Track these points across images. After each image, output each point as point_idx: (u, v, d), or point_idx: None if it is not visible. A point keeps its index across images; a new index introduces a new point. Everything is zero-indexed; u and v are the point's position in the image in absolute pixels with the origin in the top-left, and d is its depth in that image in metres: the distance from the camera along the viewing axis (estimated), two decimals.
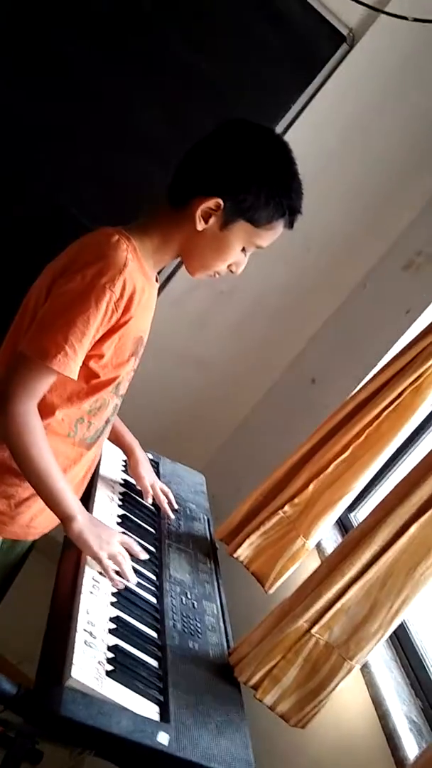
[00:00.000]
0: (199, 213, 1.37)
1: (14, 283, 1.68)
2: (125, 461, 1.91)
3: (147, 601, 1.48)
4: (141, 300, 1.40)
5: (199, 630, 1.50)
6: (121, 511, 1.71)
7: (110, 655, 1.25)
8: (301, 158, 1.43)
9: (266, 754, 1.49)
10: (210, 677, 1.40)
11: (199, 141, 1.42)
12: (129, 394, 1.58)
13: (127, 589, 1.44)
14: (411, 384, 1.68)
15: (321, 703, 1.43)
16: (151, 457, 1.98)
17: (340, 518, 1.94)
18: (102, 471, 1.79)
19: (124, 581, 1.44)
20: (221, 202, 1.36)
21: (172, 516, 1.85)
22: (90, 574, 1.40)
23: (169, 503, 1.87)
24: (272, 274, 2.71)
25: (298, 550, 1.78)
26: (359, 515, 2.26)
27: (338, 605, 1.41)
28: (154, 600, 1.50)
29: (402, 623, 1.71)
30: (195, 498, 2.05)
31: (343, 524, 2.22)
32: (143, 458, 1.86)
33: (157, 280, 1.50)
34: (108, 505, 1.70)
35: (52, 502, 1.39)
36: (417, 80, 2.52)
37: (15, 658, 2.33)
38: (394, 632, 1.57)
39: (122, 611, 1.38)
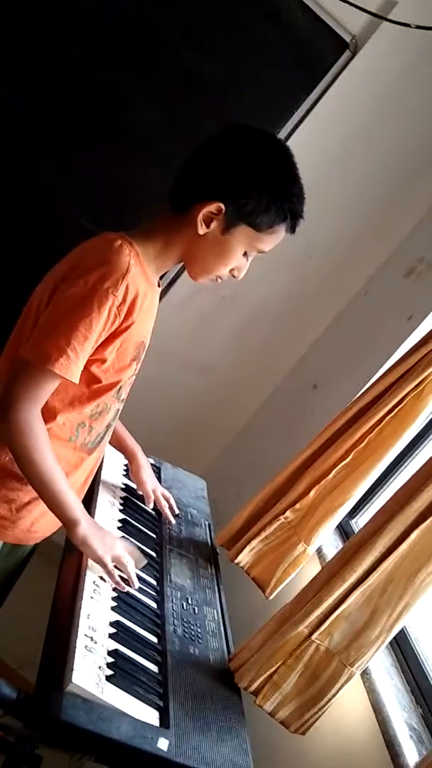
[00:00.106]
0: (200, 217, 1.38)
1: (15, 287, 1.68)
2: (126, 466, 1.91)
3: (148, 606, 1.48)
4: (143, 305, 1.40)
5: (200, 635, 1.50)
6: (122, 516, 1.71)
7: (111, 659, 1.25)
8: (304, 164, 1.43)
9: (266, 761, 1.49)
10: (210, 683, 1.40)
11: (201, 146, 1.42)
12: (130, 398, 1.58)
13: (128, 593, 1.44)
14: (412, 390, 1.68)
15: (321, 710, 1.43)
16: (152, 462, 1.98)
17: (340, 524, 1.94)
18: (103, 475, 1.79)
19: (127, 586, 1.44)
20: (222, 206, 1.37)
21: (174, 521, 1.85)
22: (91, 578, 1.40)
23: (171, 508, 1.87)
24: (274, 279, 2.71)
25: (298, 555, 1.78)
26: (360, 521, 2.26)
27: (339, 611, 1.40)
28: (154, 605, 1.50)
29: (402, 630, 1.70)
30: (196, 503, 2.05)
31: (343, 530, 2.22)
32: (145, 463, 1.86)
33: (159, 285, 1.50)
34: (109, 510, 1.70)
35: (55, 506, 1.39)
36: (420, 87, 2.52)
37: (15, 663, 2.33)
38: (395, 639, 1.57)
39: (123, 616, 1.38)
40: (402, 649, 1.77)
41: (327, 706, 1.43)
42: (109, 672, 1.22)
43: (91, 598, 1.35)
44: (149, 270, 1.42)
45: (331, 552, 2.01)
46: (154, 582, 1.57)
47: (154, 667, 1.34)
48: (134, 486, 1.86)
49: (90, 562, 1.42)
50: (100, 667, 1.21)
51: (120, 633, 1.33)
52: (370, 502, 2.23)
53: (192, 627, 1.51)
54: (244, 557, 1.81)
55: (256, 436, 2.88)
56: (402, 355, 1.76)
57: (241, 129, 1.43)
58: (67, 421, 1.45)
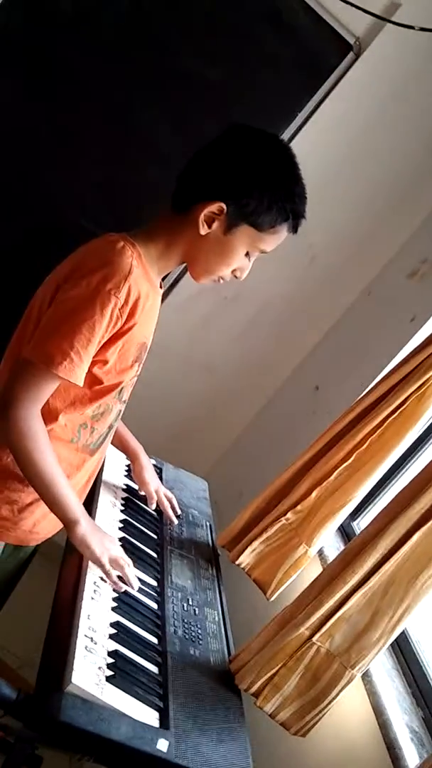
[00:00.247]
0: (202, 217, 1.38)
1: (16, 289, 1.68)
2: (128, 466, 1.92)
3: (148, 607, 1.47)
4: (145, 306, 1.40)
5: (200, 636, 1.50)
6: (123, 516, 1.71)
7: (111, 660, 1.25)
8: (307, 166, 1.43)
9: (266, 763, 1.49)
10: (210, 684, 1.39)
11: (203, 147, 1.42)
12: (132, 399, 1.58)
13: (128, 594, 1.44)
14: (415, 392, 1.68)
15: (322, 712, 1.43)
16: (154, 462, 1.98)
17: (342, 526, 1.93)
18: (105, 476, 1.79)
19: (126, 586, 1.44)
20: (224, 206, 1.37)
21: (176, 521, 1.85)
22: (91, 579, 1.40)
23: (173, 508, 1.87)
24: (276, 280, 2.71)
25: (300, 557, 1.78)
26: (362, 523, 2.25)
27: (340, 613, 1.40)
28: (155, 606, 1.50)
29: (404, 632, 1.70)
30: (198, 504, 2.05)
31: (345, 532, 2.22)
32: (147, 463, 1.86)
33: (161, 286, 1.50)
34: (110, 510, 1.70)
35: (55, 506, 1.39)
36: (423, 89, 2.52)
37: (15, 663, 2.33)
38: (396, 641, 1.57)
39: (123, 617, 1.38)
40: (403, 651, 1.76)
41: (327, 708, 1.43)
42: (109, 673, 1.22)
43: (92, 598, 1.35)
44: (151, 271, 1.42)
45: (332, 554, 2.00)
46: (154, 583, 1.57)
47: (154, 668, 1.34)
48: (136, 486, 1.86)
49: (90, 562, 1.42)
50: (100, 668, 1.21)
51: (120, 634, 1.33)
52: (371, 504, 2.23)
53: (192, 628, 1.50)
54: (245, 558, 1.81)
55: (258, 437, 2.87)
56: (404, 357, 1.75)
57: (243, 129, 1.43)
58: (68, 421, 1.45)
